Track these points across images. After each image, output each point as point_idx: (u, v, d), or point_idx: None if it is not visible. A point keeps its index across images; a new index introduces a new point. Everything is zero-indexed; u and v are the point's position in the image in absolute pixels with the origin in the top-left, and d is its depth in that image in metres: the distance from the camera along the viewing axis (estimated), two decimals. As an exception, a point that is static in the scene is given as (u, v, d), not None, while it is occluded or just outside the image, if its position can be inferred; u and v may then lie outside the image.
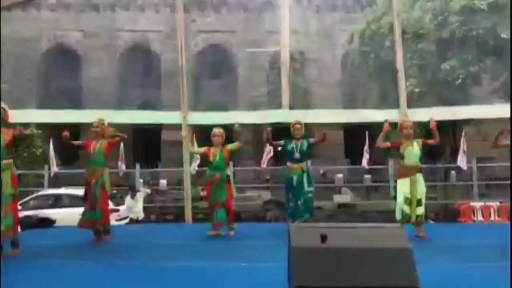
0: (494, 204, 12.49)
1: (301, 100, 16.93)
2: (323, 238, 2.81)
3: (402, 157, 6.45)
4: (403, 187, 6.30)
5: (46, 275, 4.35)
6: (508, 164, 15.22)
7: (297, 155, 7.07)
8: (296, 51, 17.97)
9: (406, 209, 6.22)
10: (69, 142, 6.68)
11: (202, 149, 7.30)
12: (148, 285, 3.89)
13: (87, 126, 7.57)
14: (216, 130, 7.14)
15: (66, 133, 6.52)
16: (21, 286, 3.97)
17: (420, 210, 6.30)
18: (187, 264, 4.71)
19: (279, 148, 7.73)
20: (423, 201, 6.37)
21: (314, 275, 2.69)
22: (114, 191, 13.97)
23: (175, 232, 7.79)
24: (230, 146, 7.07)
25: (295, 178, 7.04)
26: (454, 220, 12.41)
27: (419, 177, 6.38)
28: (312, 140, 7.35)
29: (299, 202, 7.00)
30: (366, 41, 18.03)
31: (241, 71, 25.19)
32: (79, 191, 11.47)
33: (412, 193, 6.25)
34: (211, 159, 6.91)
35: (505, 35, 15.54)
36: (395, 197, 6.78)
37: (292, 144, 7.14)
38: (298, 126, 7.21)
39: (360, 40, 18.47)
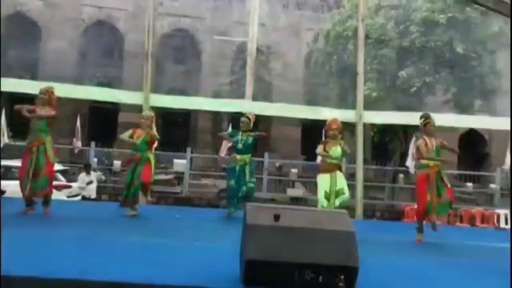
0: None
1: (263, 93, 17.15)
2: (276, 217, 3.04)
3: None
4: (323, 182, 6.59)
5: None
6: (450, 171, 16.09)
7: (239, 146, 7.39)
8: (263, 44, 18.15)
9: (325, 203, 6.50)
10: (22, 111, 6.53)
11: (128, 132, 7.34)
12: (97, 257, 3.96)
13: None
14: (144, 114, 7.50)
15: (18, 107, 6.46)
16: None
17: (339, 200, 6.55)
18: (139, 239, 4.83)
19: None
20: (345, 191, 6.64)
21: (265, 251, 2.91)
22: (67, 167, 13.81)
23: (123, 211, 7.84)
24: (153, 132, 7.19)
25: (237, 168, 7.38)
26: (399, 220, 13.02)
27: (339, 173, 6.69)
28: (257, 133, 7.77)
29: (240, 191, 7.31)
30: (330, 41, 18.48)
31: (205, 58, 25.11)
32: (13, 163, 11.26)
33: (331, 187, 6.54)
34: (135, 140, 7.06)
35: (460, 49, 16.39)
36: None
37: (238, 136, 7.47)
38: (245, 119, 7.54)
39: (325, 40, 18.91)
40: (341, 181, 6.67)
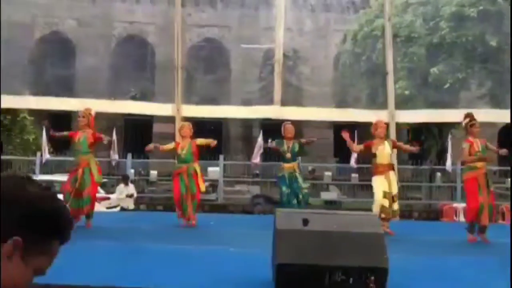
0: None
1: (292, 98, 17.21)
2: (305, 222, 3.10)
3: (374, 155, 6.72)
4: (380, 183, 6.55)
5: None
6: (490, 167, 15.65)
7: (288, 155, 7.45)
8: (290, 49, 18.23)
9: (386, 203, 6.46)
10: (54, 135, 7.00)
11: (171, 145, 7.50)
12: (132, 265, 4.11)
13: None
14: (184, 124, 7.57)
15: (45, 121, 6.83)
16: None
17: (396, 206, 6.61)
18: (176, 246, 4.99)
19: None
20: (397, 199, 6.66)
21: (295, 255, 2.98)
22: (105, 180, 14.27)
23: (164, 219, 8.03)
24: (199, 141, 7.25)
25: (286, 176, 7.44)
26: (437, 220, 12.79)
27: (392, 174, 6.68)
28: (302, 140, 7.94)
29: (297, 198, 7.35)
30: (358, 42, 18.37)
31: (234, 66, 25.40)
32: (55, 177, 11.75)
33: (390, 188, 6.51)
34: (178, 152, 7.11)
35: (493, 42, 15.97)
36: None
37: (284, 146, 7.51)
38: (288, 127, 7.59)
39: (353, 41, 18.80)
40: (395, 185, 6.66)
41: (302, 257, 2.98)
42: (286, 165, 7.49)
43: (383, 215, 6.26)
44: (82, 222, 6.65)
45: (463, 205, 13.05)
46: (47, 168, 15.89)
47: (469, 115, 6.56)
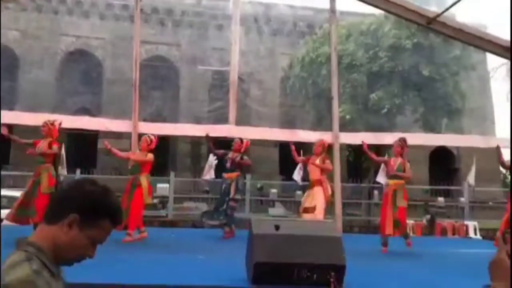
0: (410, 222, 14.02)
1: (243, 117, 17.85)
2: (277, 227, 3.64)
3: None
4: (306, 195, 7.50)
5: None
6: (417, 186, 16.99)
7: (227, 165, 8.08)
8: (242, 71, 18.96)
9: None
10: (19, 140, 7.06)
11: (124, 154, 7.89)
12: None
13: (23, 128, 7.78)
14: (143, 137, 7.77)
15: (4, 129, 6.93)
16: None
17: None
18: (140, 255, 5.32)
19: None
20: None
21: (269, 254, 3.51)
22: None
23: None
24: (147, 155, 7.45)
25: (223, 186, 8.00)
26: (376, 234, 13.70)
27: (318, 189, 7.51)
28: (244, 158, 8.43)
29: (221, 207, 7.82)
30: (305, 67, 19.40)
31: (183, 84, 25.73)
32: (17, 193, 11.57)
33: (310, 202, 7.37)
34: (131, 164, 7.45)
35: (426, 72, 17.51)
36: None
37: (228, 156, 8.15)
38: (237, 140, 8.34)
39: (300, 66, 19.83)
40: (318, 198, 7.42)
41: (275, 257, 3.51)
42: (226, 174, 8.07)
43: None
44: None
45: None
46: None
47: (401, 139, 7.37)
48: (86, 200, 1.33)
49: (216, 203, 8.09)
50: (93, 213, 1.32)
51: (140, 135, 10.24)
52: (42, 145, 6.92)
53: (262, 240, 3.56)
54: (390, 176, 7.01)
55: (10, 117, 12.76)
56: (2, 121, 12.66)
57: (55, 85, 24.68)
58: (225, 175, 8.09)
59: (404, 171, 6.98)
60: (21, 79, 24.70)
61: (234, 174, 8.07)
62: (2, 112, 13.58)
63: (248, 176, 17.65)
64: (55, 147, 7.03)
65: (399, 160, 7.09)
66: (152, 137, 7.73)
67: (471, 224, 13.71)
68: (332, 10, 11.02)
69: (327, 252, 3.58)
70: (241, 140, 8.28)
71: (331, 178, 11.57)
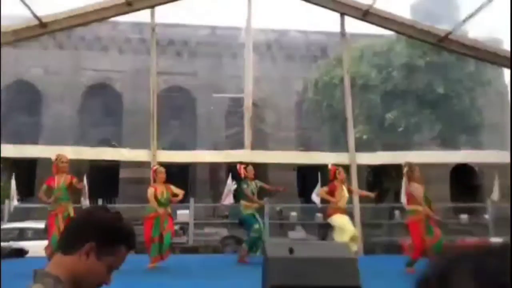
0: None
1: (259, 142, 18.04)
2: (291, 250, 3.74)
3: (338, 198, 7.39)
4: (346, 220, 7.23)
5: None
6: (443, 204, 16.73)
7: (251, 194, 8.02)
8: (256, 97, 19.26)
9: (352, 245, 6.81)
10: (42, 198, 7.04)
11: (151, 191, 7.49)
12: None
13: (46, 161, 7.97)
14: (161, 169, 7.75)
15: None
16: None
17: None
18: (163, 281, 5.45)
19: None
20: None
21: (284, 277, 3.60)
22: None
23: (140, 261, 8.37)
24: (173, 188, 7.58)
25: (252, 214, 7.95)
26: (399, 254, 13.52)
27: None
28: (265, 185, 8.51)
29: (261, 235, 7.83)
30: (319, 90, 19.60)
31: (200, 112, 26.17)
32: (42, 225, 11.86)
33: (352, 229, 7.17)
34: (159, 197, 7.35)
35: (440, 90, 17.52)
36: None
37: (250, 186, 8.09)
38: (250, 169, 8.23)
39: (314, 89, 20.05)
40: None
41: (290, 280, 3.59)
42: (252, 204, 8.00)
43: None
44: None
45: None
46: (15, 216, 15.76)
47: (406, 164, 7.18)
48: (102, 227, 1.34)
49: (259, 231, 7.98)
50: (109, 240, 1.33)
51: (159, 164, 10.55)
52: (65, 181, 6.98)
53: (277, 263, 3.66)
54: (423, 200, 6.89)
55: (34, 151, 13.28)
56: (27, 155, 12.98)
57: (76, 118, 25.38)
58: (251, 204, 8.10)
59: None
60: (44, 114, 25.49)
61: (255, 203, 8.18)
62: (27, 146, 14.10)
63: (266, 199, 17.71)
64: (75, 181, 7.15)
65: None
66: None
67: (496, 241, 13.45)
68: (343, 33, 11.25)
69: (341, 274, 3.65)
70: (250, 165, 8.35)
71: (349, 200, 11.61)
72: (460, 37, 10.70)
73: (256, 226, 7.88)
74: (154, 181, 7.68)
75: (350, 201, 11.17)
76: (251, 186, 8.10)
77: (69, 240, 1.35)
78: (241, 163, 10.54)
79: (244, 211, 8.11)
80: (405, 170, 7.16)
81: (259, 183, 8.27)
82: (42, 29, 8.92)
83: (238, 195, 8.88)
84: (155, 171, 7.74)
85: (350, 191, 7.84)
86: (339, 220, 7.28)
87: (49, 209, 7.08)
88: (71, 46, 26.29)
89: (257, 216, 8.09)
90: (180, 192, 7.69)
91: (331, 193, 7.47)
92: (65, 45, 26.24)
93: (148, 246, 7.16)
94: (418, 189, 6.81)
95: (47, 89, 25.76)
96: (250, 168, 8.26)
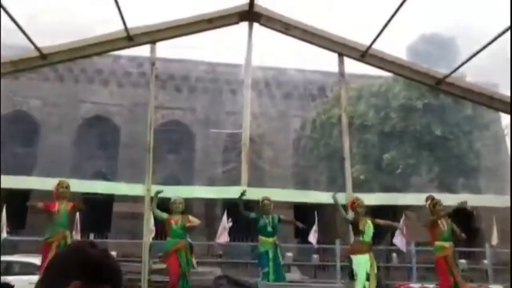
0: (432, 286, 13.40)
1: (256, 179, 17.86)
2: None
3: (362, 233, 6.87)
4: (364, 262, 6.61)
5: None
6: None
7: (269, 229, 7.72)
8: (254, 133, 19.25)
9: (367, 285, 6.47)
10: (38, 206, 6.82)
11: (165, 215, 7.42)
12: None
13: (39, 193, 7.73)
14: (177, 198, 7.60)
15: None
16: None
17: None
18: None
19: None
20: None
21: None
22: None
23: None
24: (191, 218, 7.46)
25: (270, 251, 7.57)
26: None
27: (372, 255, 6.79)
28: (282, 217, 8.19)
29: (279, 273, 7.46)
30: (317, 128, 19.61)
31: (198, 147, 26.08)
32: (30, 259, 11.46)
33: (372, 268, 6.58)
34: (173, 227, 7.17)
35: (438, 132, 17.53)
36: (351, 275, 6.84)
37: (264, 219, 7.80)
38: (267, 202, 8.01)
39: (312, 127, 20.06)
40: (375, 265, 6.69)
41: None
42: (269, 239, 7.62)
43: None
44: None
45: (419, 285, 13.56)
46: (3, 248, 15.32)
47: (430, 197, 7.03)
48: (88, 265, 1.25)
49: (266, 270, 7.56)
50: (95, 278, 1.24)
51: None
52: (66, 208, 6.68)
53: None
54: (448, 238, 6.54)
55: (27, 182, 13.07)
56: (20, 187, 12.75)
57: (72, 150, 25.23)
58: (266, 239, 7.82)
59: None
60: (40, 144, 25.35)
61: (275, 239, 7.85)
62: (20, 177, 13.88)
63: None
64: (78, 203, 6.99)
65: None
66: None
67: (496, 288, 13.08)
68: (341, 73, 11.32)
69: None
70: (269, 200, 8.14)
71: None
72: (457, 80, 10.77)
73: (265, 269, 7.44)
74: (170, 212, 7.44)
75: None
76: (265, 220, 7.88)
77: (53, 278, 1.25)
78: (233, 199, 10.36)
79: (261, 246, 7.83)
80: (427, 203, 6.92)
81: (276, 217, 7.96)
82: (42, 60, 8.90)
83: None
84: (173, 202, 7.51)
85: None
86: (355, 261, 6.76)
87: (45, 237, 6.71)
88: (71, 78, 26.47)
89: (271, 253, 7.60)
90: (195, 221, 7.49)
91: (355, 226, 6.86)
92: (65, 77, 26.41)
93: (175, 281, 6.83)
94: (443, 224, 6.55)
95: (45, 120, 25.72)
96: (266, 201, 8.11)
